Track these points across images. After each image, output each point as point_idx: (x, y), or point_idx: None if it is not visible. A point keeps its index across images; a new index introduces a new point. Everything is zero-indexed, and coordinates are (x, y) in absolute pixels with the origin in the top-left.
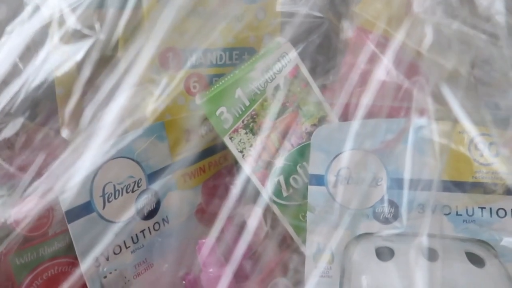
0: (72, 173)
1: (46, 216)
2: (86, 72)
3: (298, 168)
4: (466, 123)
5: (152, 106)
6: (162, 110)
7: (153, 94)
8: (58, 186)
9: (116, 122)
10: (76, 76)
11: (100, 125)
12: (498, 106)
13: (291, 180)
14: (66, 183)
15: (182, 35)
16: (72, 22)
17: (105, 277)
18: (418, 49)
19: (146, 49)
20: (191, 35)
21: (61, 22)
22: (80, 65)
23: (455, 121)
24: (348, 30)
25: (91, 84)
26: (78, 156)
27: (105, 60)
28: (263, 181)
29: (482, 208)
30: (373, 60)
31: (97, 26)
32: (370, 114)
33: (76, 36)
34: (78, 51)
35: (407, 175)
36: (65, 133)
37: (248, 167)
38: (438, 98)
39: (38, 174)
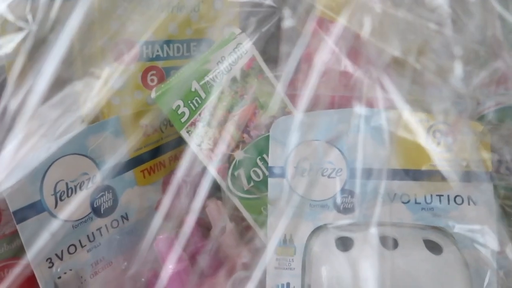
0: (15, 173)
1: None
2: (18, 65)
3: (258, 161)
4: (418, 112)
5: (92, 101)
6: (118, 104)
7: (93, 88)
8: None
9: (50, 118)
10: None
11: (23, 119)
12: (442, 94)
13: (251, 173)
14: (6, 181)
15: (134, 25)
16: (4, 12)
17: (59, 277)
18: (360, 34)
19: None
20: (145, 26)
21: None
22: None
23: (409, 110)
24: (288, 19)
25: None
26: (15, 152)
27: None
28: (223, 174)
29: (440, 195)
30: (325, 46)
31: (29, 17)
32: (324, 104)
33: (8, 28)
34: (9, 43)
35: (363, 165)
36: None
37: (207, 161)
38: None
39: None
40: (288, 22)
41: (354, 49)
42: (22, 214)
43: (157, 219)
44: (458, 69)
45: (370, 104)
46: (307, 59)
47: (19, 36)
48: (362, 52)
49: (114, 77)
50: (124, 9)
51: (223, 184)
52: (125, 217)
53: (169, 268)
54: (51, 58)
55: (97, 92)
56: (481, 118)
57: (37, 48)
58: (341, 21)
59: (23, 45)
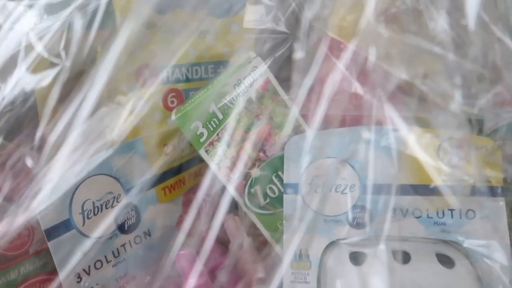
0: (47, 193)
1: (26, 235)
2: (52, 99)
3: (273, 178)
4: (425, 129)
5: (119, 129)
6: (140, 125)
7: (121, 116)
8: (34, 206)
9: (81, 144)
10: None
11: (64, 147)
12: (447, 117)
13: (267, 189)
14: (42, 202)
15: (156, 52)
16: (39, 50)
17: None
18: (370, 58)
19: (104, 70)
20: (165, 51)
21: (28, 50)
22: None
23: (417, 129)
24: (299, 51)
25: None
26: (53, 176)
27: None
28: (240, 191)
29: (451, 210)
30: (336, 70)
31: (63, 54)
32: (335, 123)
33: (43, 64)
34: (44, 78)
35: (374, 181)
36: (29, 162)
37: (224, 179)
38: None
39: (15, 194)
40: (299, 54)
41: (364, 72)
42: (53, 232)
43: (179, 236)
44: (457, 97)
45: (379, 123)
46: (319, 81)
47: (54, 71)
48: (371, 76)
49: (139, 104)
50: (147, 37)
51: (240, 201)
52: (147, 233)
53: (190, 282)
54: (92, 91)
55: (124, 120)
56: (492, 133)
57: (73, 80)
58: (351, 47)
59: (57, 79)
